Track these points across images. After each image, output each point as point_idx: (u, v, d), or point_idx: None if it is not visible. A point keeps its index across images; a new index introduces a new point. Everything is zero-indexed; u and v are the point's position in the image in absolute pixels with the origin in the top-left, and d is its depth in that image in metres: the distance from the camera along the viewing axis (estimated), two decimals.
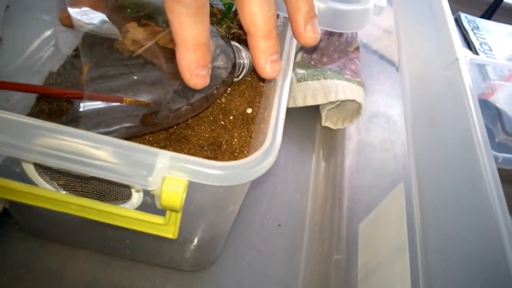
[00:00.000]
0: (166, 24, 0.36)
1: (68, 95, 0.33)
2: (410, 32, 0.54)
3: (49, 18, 0.42)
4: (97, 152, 0.26)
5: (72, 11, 0.32)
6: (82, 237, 0.45)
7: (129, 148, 0.27)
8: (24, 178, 0.32)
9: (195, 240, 0.41)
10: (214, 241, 0.45)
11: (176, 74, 0.32)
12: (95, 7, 0.34)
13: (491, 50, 0.89)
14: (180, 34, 0.28)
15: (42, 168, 0.32)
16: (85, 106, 0.33)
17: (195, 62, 0.28)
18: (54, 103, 0.41)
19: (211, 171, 0.28)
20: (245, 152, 0.42)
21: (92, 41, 0.33)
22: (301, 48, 0.68)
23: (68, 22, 0.39)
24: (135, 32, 0.35)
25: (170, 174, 0.27)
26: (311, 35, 0.32)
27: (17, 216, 0.45)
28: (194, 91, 0.36)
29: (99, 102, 0.33)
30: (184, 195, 0.27)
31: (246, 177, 0.29)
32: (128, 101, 0.32)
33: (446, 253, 0.34)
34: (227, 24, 0.50)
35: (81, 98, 0.31)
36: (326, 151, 0.64)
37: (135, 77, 0.33)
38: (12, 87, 0.31)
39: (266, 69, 0.31)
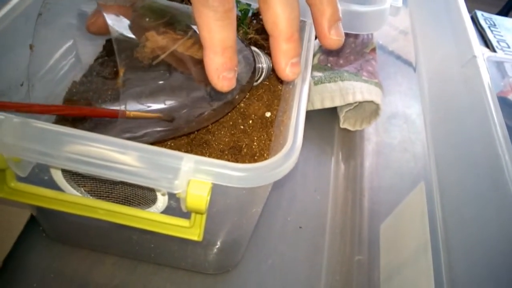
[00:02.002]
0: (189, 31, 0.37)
1: (104, 115, 0.34)
2: (427, 31, 0.54)
3: (78, 24, 0.43)
4: (125, 157, 0.27)
5: (107, 17, 0.33)
6: (108, 243, 0.46)
7: (155, 152, 0.28)
8: (52, 185, 0.33)
9: (218, 243, 0.42)
10: (236, 244, 0.45)
11: (201, 79, 0.33)
12: (123, 14, 0.35)
13: (509, 47, 0.88)
14: (208, 37, 0.28)
15: (69, 175, 0.33)
16: None
17: (223, 65, 0.29)
18: None
19: (234, 173, 0.28)
20: (265, 155, 0.42)
21: (125, 46, 0.34)
22: (318, 51, 0.69)
23: (94, 29, 0.39)
24: (163, 38, 0.35)
25: (195, 177, 0.28)
26: (335, 38, 0.32)
27: (44, 223, 0.46)
28: (217, 95, 0.36)
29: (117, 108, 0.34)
30: (209, 198, 0.28)
31: (268, 178, 0.29)
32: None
33: (468, 250, 0.34)
34: (244, 29, 0.51)
35: (115, 117, 0.32)
36: (345, 152, 0.65)
37: (161, 82, 0.34)
38: (43, 110, 0.32)
39: (286, 71, 0.31)
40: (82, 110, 0.35)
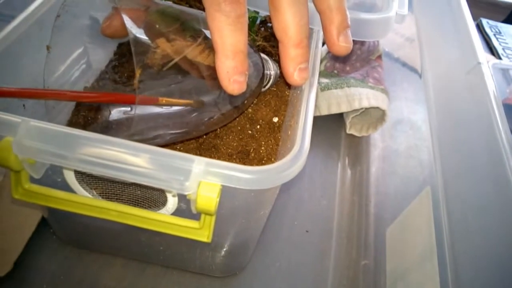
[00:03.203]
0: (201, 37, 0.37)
1: (121, 100, 0.34)
2: (432, 38, 0.55)
3: (90, 29, 0.44)
4: (137, 159, 0.28)
5: (126, 19, 0.33)
6: (117, 245, 0.47)
7: (167, 155, 0.28)
8: (65, 187, 0.33)
9: (226, 246, 0.42)
10: (244, 246, 0.45)
11: (211, 84, 0.33)
12: (138, 18, 0.36)
13: None
14: (219, 42, 0.29)
15: (81, 177, 0.33)
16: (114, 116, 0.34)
17: (234, 69, 0.30)
18: (89, 116, 0.43)
19: (244, 175, 0.29)
20: (272, 159, 0.43)
21: (142, 48, 0.34)
22: (324, 58, 0.69)
23: (108, 32, 0.40)
24: (173, 44, 0.36)
25: (205, 179, 0.28)
26: (344, 45, 0.33)
27: (55, 225, 0.47)
28: (227, 100, 0.37)
29: (127, 110, 0.34)
30: (218, 199, 0.29)
31: (277, 180, 0.30)
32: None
33: (474, 255, 0.35)
34: (252, 36, 0.52)
35: (132, 103, 0.33)
36: (352, 158, 0.65)
37: (172, 86, 0.35)
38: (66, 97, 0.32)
39: (294, 76, 0.32)
40: (100, 96, 0.35)
